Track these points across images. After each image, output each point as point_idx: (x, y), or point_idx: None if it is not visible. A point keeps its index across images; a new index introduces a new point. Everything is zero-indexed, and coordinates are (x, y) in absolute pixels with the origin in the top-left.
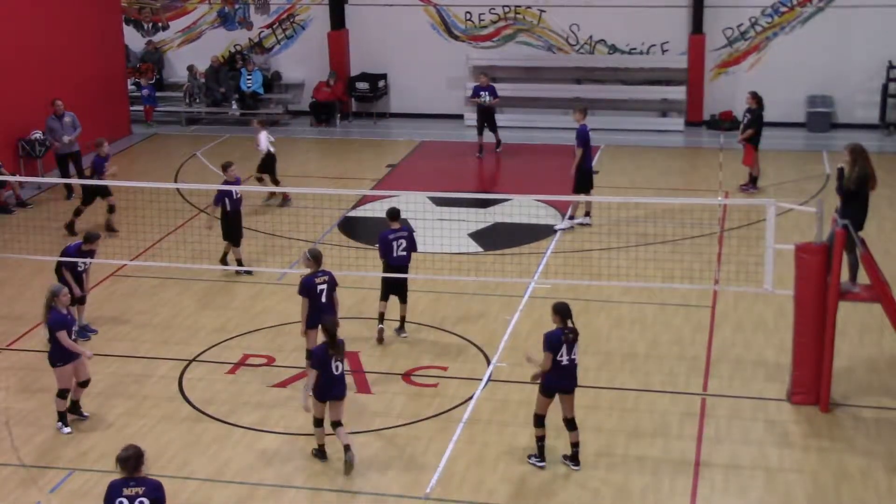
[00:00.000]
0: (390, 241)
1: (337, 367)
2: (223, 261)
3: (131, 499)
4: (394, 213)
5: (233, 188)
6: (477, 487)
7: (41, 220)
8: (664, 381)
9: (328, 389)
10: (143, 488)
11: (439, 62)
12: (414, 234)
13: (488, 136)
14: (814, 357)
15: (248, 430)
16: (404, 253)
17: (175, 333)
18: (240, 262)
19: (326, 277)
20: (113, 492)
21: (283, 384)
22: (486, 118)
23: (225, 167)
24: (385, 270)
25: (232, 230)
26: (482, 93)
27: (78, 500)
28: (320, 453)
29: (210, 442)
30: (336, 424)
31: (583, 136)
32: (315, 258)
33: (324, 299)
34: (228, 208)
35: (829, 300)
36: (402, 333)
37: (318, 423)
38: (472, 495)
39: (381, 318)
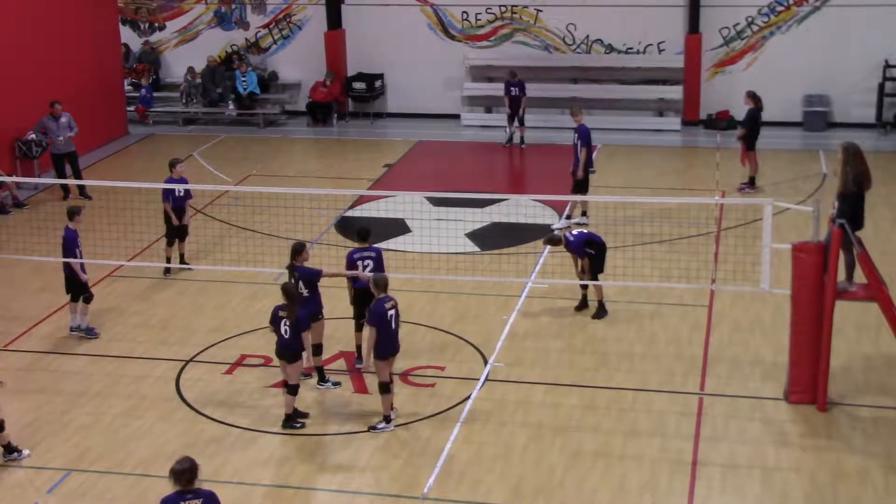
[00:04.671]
0: (355, 261)
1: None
2: (180, 260)
3: None
4: (363, 233)
5: (175, 186)
6: (474, 487)
7: (38, 221)
8: (661, 380)
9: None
10: (200, 499)
11: (436, 62)
12: (382, 256)
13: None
14: (811, 356)
15: (245, 431)
16: (370, 275)
17: (172, 334)
18: (179, 259)
19: (394, 302)
20: None
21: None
22: (514, 112)
23: (172, 164)
24: (350, 293)
25: (174, 228)
26: (512, 89)
27: (75, 501)
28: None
29: (208, 442)
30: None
31: (587, 136)
32: (379, 284)
33: (394, 325)
34: (172, 205)
35: (826, 299)
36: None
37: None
38: (470, 495)
39: (359, 350)
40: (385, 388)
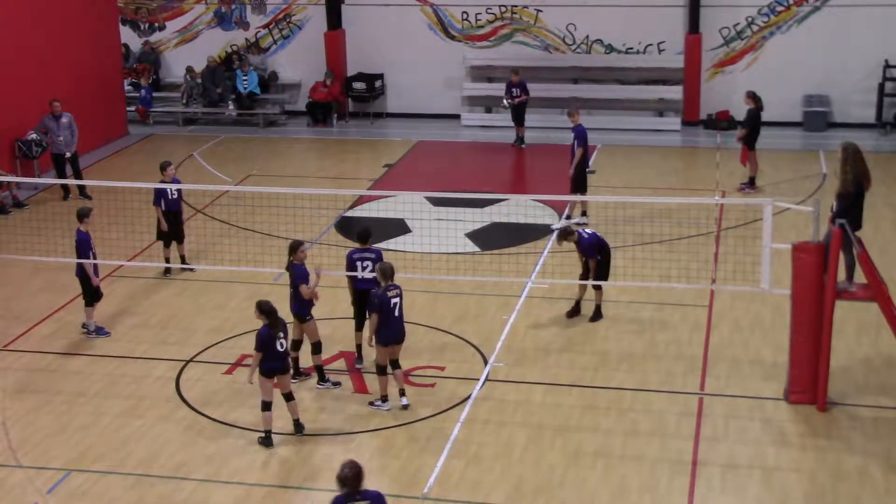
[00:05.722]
0: (354, 261)
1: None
2: (182, 262)
3: None
4: (362, 235)
5: (169, 186)
6: (474, 487)
7: (38, 221)
8: (661, 380)
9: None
10: (368, 501)
11: (436, 62)
12: (382, 258)
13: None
14: (811, 356)
15: (245, 430)
16: (370, 276)
17: (172, 334)
18: (180, 260)
19: (398, 291)
20: None
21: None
22: (516, 112)
23: (163, 167)
24: (351, 294)
25: (169, 230)
26: (513, 90)
27: (75, 501)
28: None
29: (207, 442)
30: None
31: (584, 136)
32: (385, 273)
33: (397, 313)
34: (164, 208)
35: (826, 299)
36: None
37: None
38: (470, 495)
39: (359, 350)
40: (381, 371)
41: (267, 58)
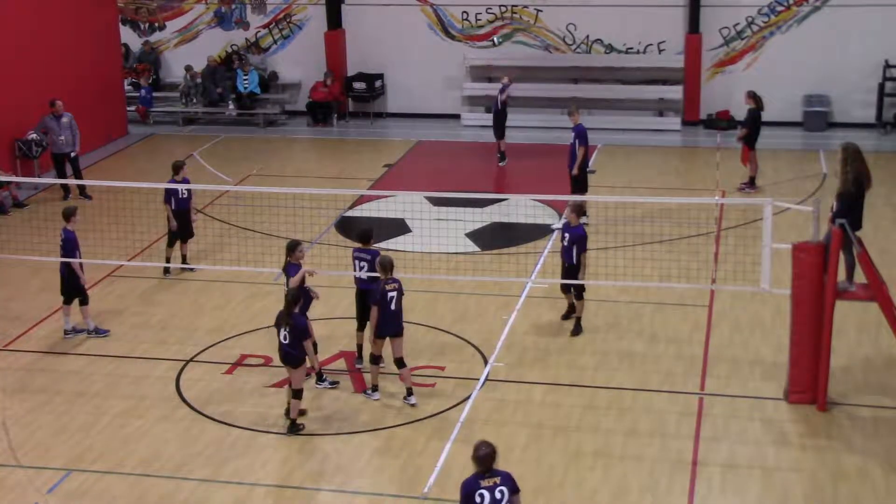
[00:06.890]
0: (353, 260)
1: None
2: (183, 261)
3: (490, 489)
4: (362, 235)
5: (179, 186)
6: None
7: (38, 221)
8: (661, 380)
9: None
10: (499, 478)
11: (436, 62)
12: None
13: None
14: (811, 356)
15: (245, 431)
16: (364, 276)
17: (172, 334)
18: (181, 260)
19: (396, 285)
20: (471, 486)
21: (280, 384)
22: (496, 120)
23: (177, 168)
24: (355, 294)
25: (178, 228)
26: (503, 86)
27: (75, 501)
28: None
29: (208, 442)
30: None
31: (585, 136)
32: (384, 266)
33: (393, 307)
34: (173, 207)
35: (826, 299)
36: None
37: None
38: None
39: (360, 350)
40: (372, 360)
41: (267, 58)
